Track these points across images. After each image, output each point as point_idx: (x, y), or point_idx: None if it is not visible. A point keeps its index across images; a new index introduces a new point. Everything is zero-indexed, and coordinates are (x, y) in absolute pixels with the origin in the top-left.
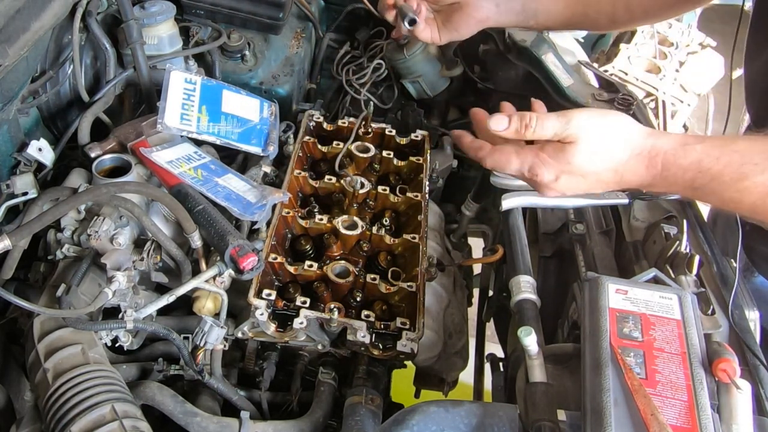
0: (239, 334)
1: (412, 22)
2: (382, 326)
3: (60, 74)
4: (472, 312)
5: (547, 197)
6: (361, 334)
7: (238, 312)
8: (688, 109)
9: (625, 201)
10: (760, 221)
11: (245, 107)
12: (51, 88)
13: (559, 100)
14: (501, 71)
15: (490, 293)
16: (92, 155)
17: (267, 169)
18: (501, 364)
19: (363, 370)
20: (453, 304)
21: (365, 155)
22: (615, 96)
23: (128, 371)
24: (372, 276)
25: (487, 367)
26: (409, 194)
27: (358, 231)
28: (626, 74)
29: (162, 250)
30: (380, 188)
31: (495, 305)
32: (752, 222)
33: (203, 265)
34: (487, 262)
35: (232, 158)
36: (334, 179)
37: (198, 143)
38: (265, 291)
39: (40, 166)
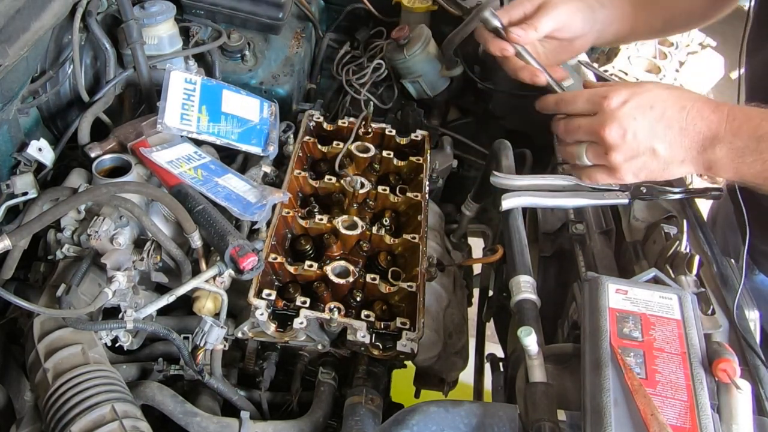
0: (239, 334)
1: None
2: (382, 326)
3: (60, 74)
4: (472, 312)
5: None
6: (361, 334)
7: (238, 312)
8: None
9: (625, 201)
10: None
11: (245, 107)
12: (51, 88)
13: None
14: (501, 71)
15: (490, 293)
16: (92, 155)
17: (267, 169)
18: (501, 364)
19: (363, 370)
20: (453, 304)
21: (365, 155)
22: None
23: (128, 371)
24: (372, 276)
25: (487, 367)
26: (409, 194)
27: (358, 231)
28: (626, 74)
29: (162, 250)
30: (380, 188)
31: (495, 305)
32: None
33: (203, 265)
34: (487, 262)
35: (232, 158)
36: (334, 179)
37: (198, 143)
38: (265, 291)
39: (40, 166)
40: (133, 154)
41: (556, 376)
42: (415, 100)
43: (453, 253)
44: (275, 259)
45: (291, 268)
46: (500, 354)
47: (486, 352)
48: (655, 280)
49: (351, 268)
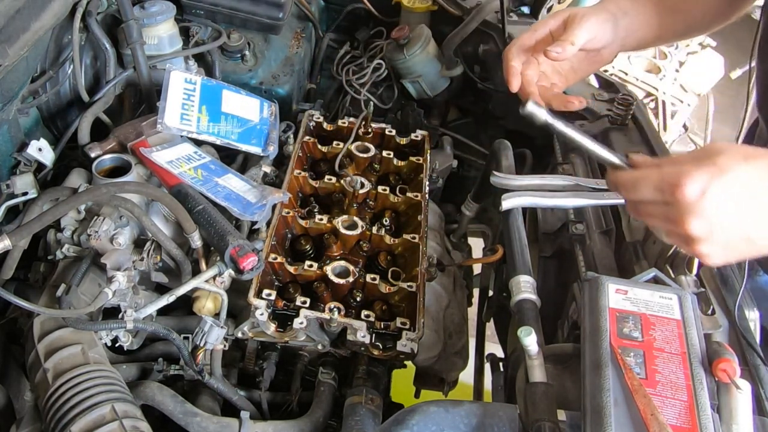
0: (239, 334)
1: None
2: (382, 326)
3: (60, 74)
4: (472, 312)
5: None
6: (361, 334)
7: (238, 312)
8: (688, 109)
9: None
10: None
11: (245, 107)
12: (51, 88)
13: None
14: (501, 71)
15: (490, 293)
16: (92, 155)
17: (267, 169)
18: (501, 364)
19: (363, 370)
20: (453, 304)
21: (365, 155)
22: (615, 96)
23: (128, 371)
24: (372, 276)
25: (487, 367)
26: (409, 194)
27: (358, 231)
28: (626, 74)
29: (162, 250)
30: (380, 188)
31: (495, 305)
32: None
33: (203, 265)
34: (487, 262)
35: (232, 158)
36: (334, 179)
37: (198, 143)
38: (265, 291)
39: (40, 166)
40: (133, 154)
41: (556, 376)
42: (415, 100)
43: (453, 253)
44: (275, 259)
45: (291, 268)
46: (500, 354)
47: (486, 352)
48: (655, 280)
49: (351, 268)
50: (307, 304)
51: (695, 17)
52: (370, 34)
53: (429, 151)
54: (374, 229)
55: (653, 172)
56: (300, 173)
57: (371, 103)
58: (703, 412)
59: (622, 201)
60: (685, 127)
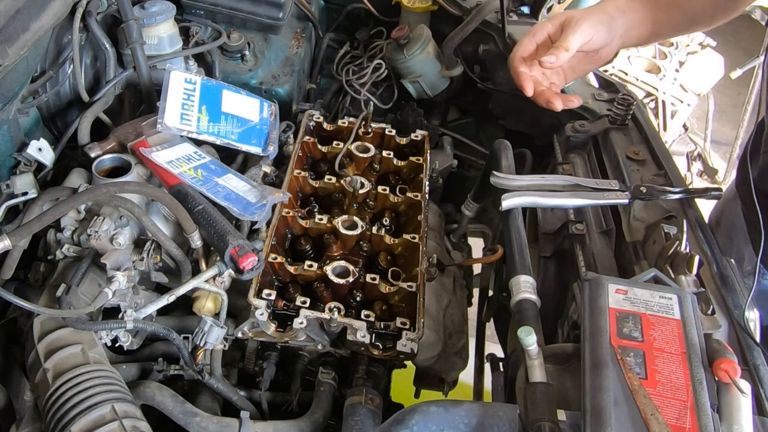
0: (239, 334)
1: None
2: (382, 326)
3: (60, 74)
4: (472, 312)
5: None
6: (361, 334)
7: (238, 312)
8: (688, 109)
9: (625, 201)
10: None
11: (245, 107)
12: (51, 88)
13: None
14: (501, 71)
15: (490, 293)
16: (92, 155)
17: (267, 169)
18: (501, 364)
19: (363, 370)
20: (453, 304)
21: (365, 155)
22: (615, 96)
23: (128, 371)
24: (372, 276)
25: (487, 367)
26: (409, 194)
27: (358, 231)
28: (626, 74)
29: (162, 250)
30: (380, 188)
31: (495, 305)
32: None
33: (203, 265)
34: (487, 262)
35: (232, 158)
36: (334, 179)
37: (198, 143)
38: (265, 291)
39: (40, 166)
40: (133, 154)
41: (556, 376)
42: (415, 100)
43: (453, 253)
44: (275, 259)
45: (291, 268)
46: (500, 354)
47: (486, 352)
48: (655, 280)
49: (351, 268)
50: (307, 304)
51: (695, 11)
52: (370, 34)
53: (429, 151)
54: (374, 229)
55: None
56: (300, 173)
57: (371, 103)
58: (703, 412)
59: (622, 201)
60: (685, 127)
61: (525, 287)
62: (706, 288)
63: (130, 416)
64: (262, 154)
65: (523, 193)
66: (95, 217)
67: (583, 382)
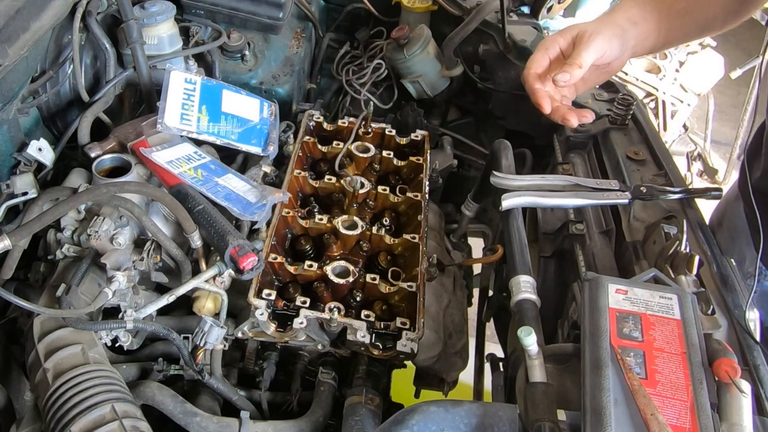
0: (239, 334)
1: None
2: (382, 326)
3: (60, 74)
4: (472, 312)
5: None
6: (361, 334)
7: (238, 312)
8: (688, 109)
9: (625, 201)
10: None
11: (245, 107)
12: (51, 88)
13: None
14: (501, 71)
15: (490, 293)
16: (92, 155)
17: (267, 169)
18: (501, 364)
19: (363, 370)
20: (453, 304)
21: (365, 155)
22: (615, 96)
23: (128, 371)
24: (372, 276)
25: (487, 367)
26: (409, 194)
27: (358, 231)
28: (626, 74)
29: (162, 250)
30: (380, 188)
31: (495, 305)
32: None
33: (203, 265)
34: (487, 262)
35: (232, 158)
36: (334, 179)
37: (198, 143)
38: (265, 291)
39: (40, 166)
40: (133, 154)
41: (556, 376)
42: (415, 100)
43: (453, 253)
44: (275, 259)
45: (291, 268)
46: (500, 354)
47: (486, 352)
48: (655, 280)
49: (351, 268)
50: (307, 304)
51: (707, 17)
52: (370, 34)
53: (429, 151)
54: (374, 229)
55: None
56: (300, 173)
57: (371, 103)
58: (703, 412)
59: (622, 201)
60: (685, 127)
61: (525, 287)
62: (706, 288)
63: (130, 416)
64: (262, 154)
65: (523, 193)
66: (95, 217)
67: (583, 382)
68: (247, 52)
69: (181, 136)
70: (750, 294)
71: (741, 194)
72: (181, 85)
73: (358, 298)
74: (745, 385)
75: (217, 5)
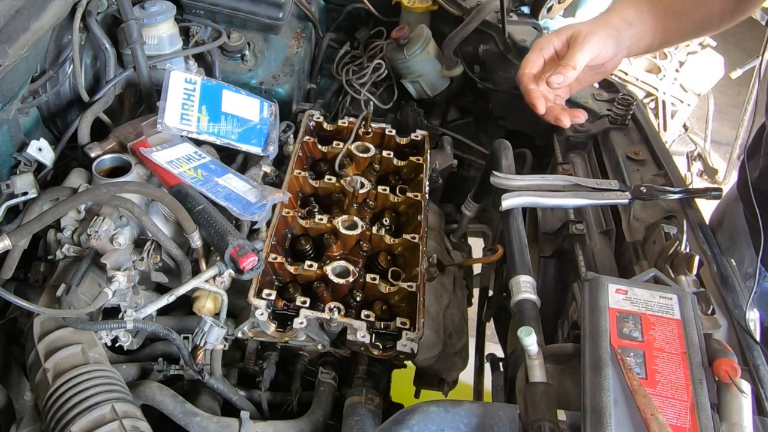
0: (239, 334)
1: None
2: (382, 326)
3: (60, 74)
4: (472, 312)
5: None
6: (361, 334)
7: (238, 312)
8: (688, 109)
9: (625, 201)
10: None
11: (245, 107)
12: (51, 88)
13: None
14: (501, 71)
15: (490, 293)
16: (92, 155)
17: (267, 169)
18: (501, 364)
19: (363, 370)
20: (453, 304)
21: (365, 155)
22: (615, 96)
23: (128, 371)
24: (372, 276)
25: (487, 367)
26: (409, 194)
27: (358, 231)
28: (626, 74)
29: (162, 250)
30: (380, 188)
31: (495, 305)
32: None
33: (203, 265)
34: (487, 262)
35: (232, 158)
36: (334, 179)
37: (198, 143)
38: (265, 291)
39: (40, 166)
40: (133, 154)
41: (556, 376)
42: (415, 100)
43: (453, 253)
44: (275, 259)
45: (291, 268)
46: (500, 354)
47: (486, 352)
48: (655, 280)
49: (351, 268)
50: (307, 304)
51: (703, 18)
52: (370, 34)
53: (429, 151)
54: (374, 229)
55: None
56: (300, 173)
57: (371, 103)
58: (703, 412)
59: (622, 201)
60: (685, 127)
61: (525, 287)
62: (706, 288)
63: (130, 416)
64: (262, 154)
65: (523, 193)
66: (95, 217)
67: (583, 382)
68: (247, 52)
69: (181, 136)
70: (750, 294)
71: (740, 194)
72: (181, 85)
73: (358, 298)
74: (745, 385)
75: (217, 5)
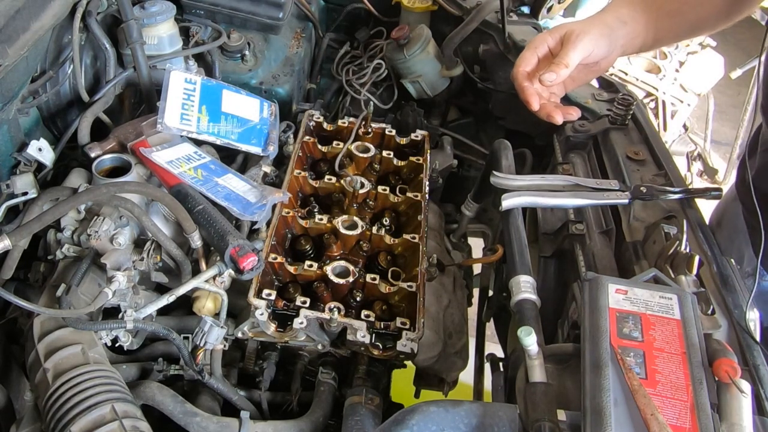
0: (239, 334)
1: None
2: (382, 326)
3: (60, 74)
4: (472, 312)
5: None
6: (361, 334)
7: (238, 312)
8: (688, 109)
9: (625, 201)
10: None
11: (245, 107)
12: (51, 88)
13: None
14: (501, 71)
15: (490, 293)
16: (92, 155)
17: (267, 169)
18: (501, 364)
19: (363, 370)
20: (453, 304)
21: (365, 155)
22: (615, 96)
23: (128, 371)
24: (372, 276)
25: (487, 367)
26: (409, 194)
27: (358, 231)
28: (626, 74)
29: (162, 250)
30: (380, 188)
31: (495, 305)
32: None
33: (203, 265)
34: (487, 262)
35: (232, 158)
36: (334, 179)
37: (198, 143)
38: (265, 291)
39: (40, 166)
40: (133, 154)
41: (556, 376)
42: (415, 100)
43: (453, 253)
44: (275, 259)
45: (291, 268)
46: (500, 354)
47: (486, 352)
48: (655, 280)
49: (351, 268)
50: (307, 304)
51: (698, 18)
52: (370, 34)
53: (429, 151)
54: (374, 229)
55: None
56: (300, 173)
57: (371, 103)
58: (703, 412)
59: (622, 201)
60: (685, 126)
61: (525, 287)
62: (706, 288)
63: (130, 416)
64: (262, 154)
65: (523, 193)
66: (95, 217)
67: (583, 382)
68: (247, 52)
69: (181, 136)
70: (750, 294)
71: (738, 194)
72: (181, 85)
73: (358, 298)
74: (745, 385)
75: (217, 5)
